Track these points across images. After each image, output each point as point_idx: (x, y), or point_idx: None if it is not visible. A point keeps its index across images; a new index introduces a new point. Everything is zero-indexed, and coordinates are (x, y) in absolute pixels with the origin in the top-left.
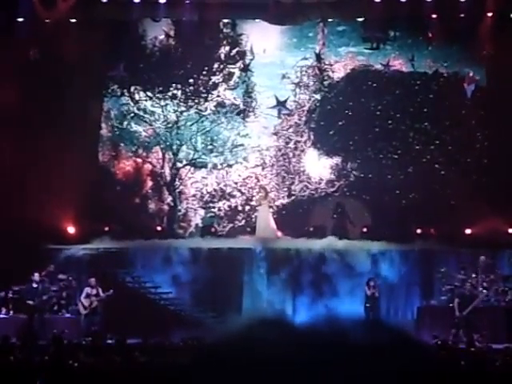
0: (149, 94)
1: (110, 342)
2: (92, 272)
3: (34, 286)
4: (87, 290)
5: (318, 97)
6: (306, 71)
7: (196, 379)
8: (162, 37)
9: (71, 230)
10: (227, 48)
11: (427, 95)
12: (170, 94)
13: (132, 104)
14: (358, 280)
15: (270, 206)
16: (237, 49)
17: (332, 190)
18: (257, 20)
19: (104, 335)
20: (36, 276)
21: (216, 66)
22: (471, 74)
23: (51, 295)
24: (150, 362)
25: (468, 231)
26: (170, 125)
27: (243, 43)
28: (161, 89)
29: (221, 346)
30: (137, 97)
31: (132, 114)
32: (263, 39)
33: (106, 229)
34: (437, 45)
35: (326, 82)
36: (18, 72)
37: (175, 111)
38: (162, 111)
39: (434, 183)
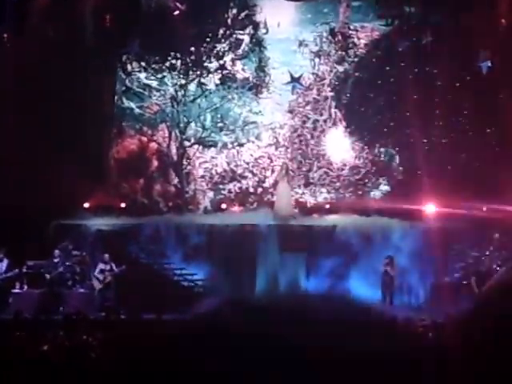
0: (143, 64)
1: (123, 317)
2: (106, 247)
3: (55, 260)
4: (101, 265)
5: (340, 68)
6: (326, 38)
7: (209, 354)
8: None
9: (86, 205)
10: (234, 11)
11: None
12: (167, 64)
13: (124, 76)
14: (371, 257)
15: (290, 184)
16: (246, 12)
17: (357, 177)
18: None
19: (117, 310)
20: (57, 251)
21: (222, 31)
22: (485, 51)
23: (66, 269)
24: (162, 337)
25: (483, 208)
26: (175, 101)
27: (256, 14)
28: (157, 58)
29: (233, 322)
30: (129, 68)
31: (124, 88)
32: (278, 14)
33: (123, 205)
34: (452, 21)
35: (350, 51)
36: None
37: (174, 85)
38: (159, 85)
39: (450, 160)
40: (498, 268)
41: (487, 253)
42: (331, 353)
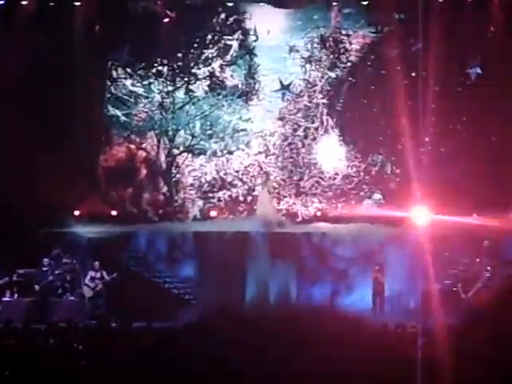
0: (129, 70)
1: (113, 325)
2: (96, 255)
3: (44, 269)
4: (91, 273)
5: (332, 74)
6: (318, 43)
7: (198, 363)
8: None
9: (76, 213)
10: (222, 16)
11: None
12: (154, 70)
13: (109, 83)
14: (362, 264)
15: (271, 192)
16: (234, 16)
17: (349, 186)
18: (261, 4)
19: (108, 318)
20: (46, 260)
21: (210, 36)
22: (475, 58)
23: (56, 277)
24: (153, 346)
25: (474, 215)
26: (163, 108)
27: (245, 20)
28: (143, 65)
29: (223, 331)
30: (114, 74)
31: (109, 95)
32: (267, 21)
33: (113, 213)
34: (443, 28)
35: (342, 56)
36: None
37: (160, 91)
38: (145, 91)
39: (442, 168)
40: (488, 275)
41: (477, 260)
42: (319, 361)
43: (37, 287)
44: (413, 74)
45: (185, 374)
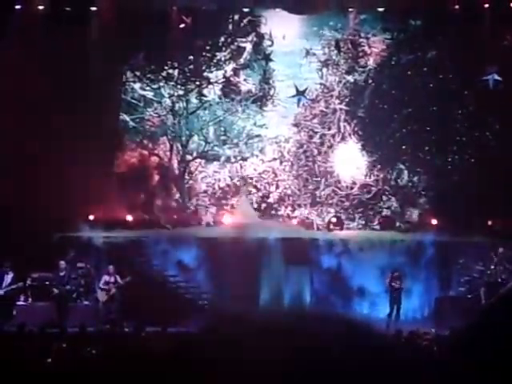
0: (138, 74)
1: (127, 329)
2: (110, 260)
3: (61, 274)
4: (105, 277)
5: (350, 78)
6: (335, 47)
7: (212, 368)
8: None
9: (90, 217)
10: (236, 17)
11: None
12: (164, 74)
13: (118, 87)
14: (376, 271)
15: (249, 200)
16: (248, 18)
17: (367, 196)
18: (277, 9)
19: (122, 323)
20: (62, 264)
21: (223, 38)
22: (491, 65)
23: (70, 281)
24: (166, 351)
25: (488, 222)
26: (175, 113)
27: (261, 25)
28: (153, 68)
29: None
30: (123, 78)
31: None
32: (283, 26)
33: (128, 218)
34: (459, 35)
35: (361, 60)
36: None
37: (171, 96)
38: (155, 96)
39: (456, 174)
40: (504, 282)
41: (492, 266)
42: (332, 367)
43: (52, 292)
44: (430, 80)
45: (198, 380)
